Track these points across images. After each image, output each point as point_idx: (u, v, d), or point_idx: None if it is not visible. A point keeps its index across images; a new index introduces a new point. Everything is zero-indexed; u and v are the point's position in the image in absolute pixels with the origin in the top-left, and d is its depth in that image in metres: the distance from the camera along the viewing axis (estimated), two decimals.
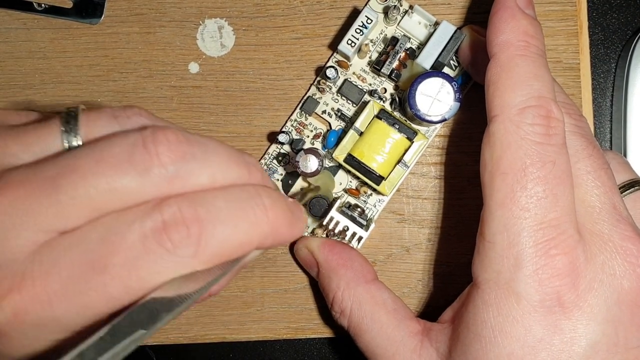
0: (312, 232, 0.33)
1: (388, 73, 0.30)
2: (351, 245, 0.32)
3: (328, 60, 0.33)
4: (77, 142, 0.22)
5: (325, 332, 0.34)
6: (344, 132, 0.32)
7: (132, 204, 0.21)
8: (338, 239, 0.32)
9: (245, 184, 0.23)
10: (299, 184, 0.33)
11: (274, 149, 0.33)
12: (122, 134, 0.22)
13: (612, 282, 0.25)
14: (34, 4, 0.33)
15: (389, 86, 0.32)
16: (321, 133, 0.33)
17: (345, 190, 0.33)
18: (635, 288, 0.25)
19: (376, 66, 0.31)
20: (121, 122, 0.23)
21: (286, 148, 0.33)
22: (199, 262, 0.21)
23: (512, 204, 0.25)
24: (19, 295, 0.20)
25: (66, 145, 0.22)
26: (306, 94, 0.33)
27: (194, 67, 0.33)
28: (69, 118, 0.22)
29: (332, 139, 0.32)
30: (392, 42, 0.30)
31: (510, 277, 0.25)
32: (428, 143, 0.32)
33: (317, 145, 0.33)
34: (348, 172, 0.32)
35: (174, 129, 0.22)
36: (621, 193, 0.28)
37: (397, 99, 0.32)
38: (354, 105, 0.32)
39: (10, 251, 0.20)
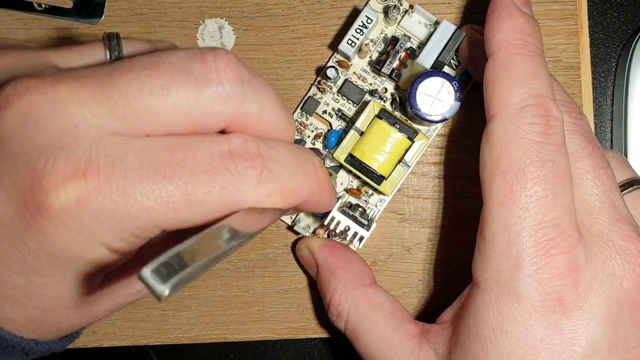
0: (314, 232, 0.33)
1: (388, 73, 0.30)
2: (352, 245, 0.32)
3: (328, 60, 0.33)
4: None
5: (326, 332, 0.34)
6: (344, 132, 0.32)
7: (185, 117, 0.20)
8: (339, 239, 0.32)
9: (288, 129, 0.23)
10: None
11: None
12: (180, 49, 0.21)
13: (612, 282, 0.25)
14: (34, 4, 0.33)
15: (390, 86, 0.32)
16: (322, 133, 0.33)
17: (347, 190, 0.33)
18: (634, 288, 0.25)
19: (376, 66, 0.31)
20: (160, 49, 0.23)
21: None
22: (258, 196, 0.21)
23: (511, 204, 0.25)
24: (85, 181, 0.19)
25: (108, 58, 0.22)
26: (307, 93, 0.33)
27: None
28: (110, 37, 0.22)
29: (333, 139, 0.32)
30: (393, 41, 0.30)
31: (510, 277, 0.25)
32: (429, 143, 0.32)
33: (318, 145, 0.33)
34: (349, 172, 0.32)
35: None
36: (621, 192, 0.28)
37: (397, 98, 0.32)
38: (355, 105, 0.32)
39: (71, 135, 0.19)
